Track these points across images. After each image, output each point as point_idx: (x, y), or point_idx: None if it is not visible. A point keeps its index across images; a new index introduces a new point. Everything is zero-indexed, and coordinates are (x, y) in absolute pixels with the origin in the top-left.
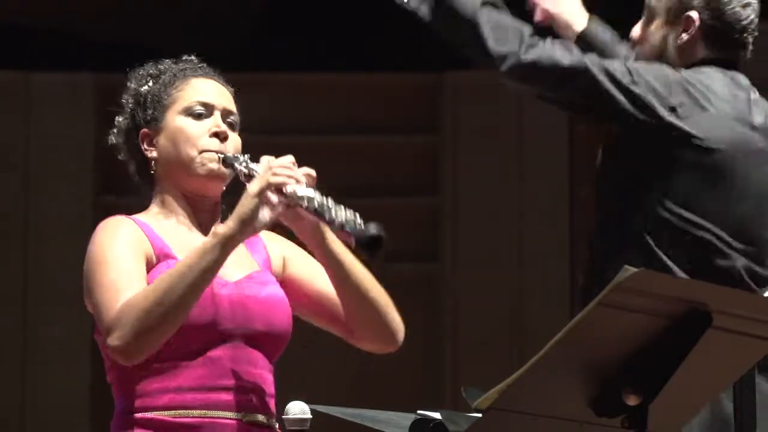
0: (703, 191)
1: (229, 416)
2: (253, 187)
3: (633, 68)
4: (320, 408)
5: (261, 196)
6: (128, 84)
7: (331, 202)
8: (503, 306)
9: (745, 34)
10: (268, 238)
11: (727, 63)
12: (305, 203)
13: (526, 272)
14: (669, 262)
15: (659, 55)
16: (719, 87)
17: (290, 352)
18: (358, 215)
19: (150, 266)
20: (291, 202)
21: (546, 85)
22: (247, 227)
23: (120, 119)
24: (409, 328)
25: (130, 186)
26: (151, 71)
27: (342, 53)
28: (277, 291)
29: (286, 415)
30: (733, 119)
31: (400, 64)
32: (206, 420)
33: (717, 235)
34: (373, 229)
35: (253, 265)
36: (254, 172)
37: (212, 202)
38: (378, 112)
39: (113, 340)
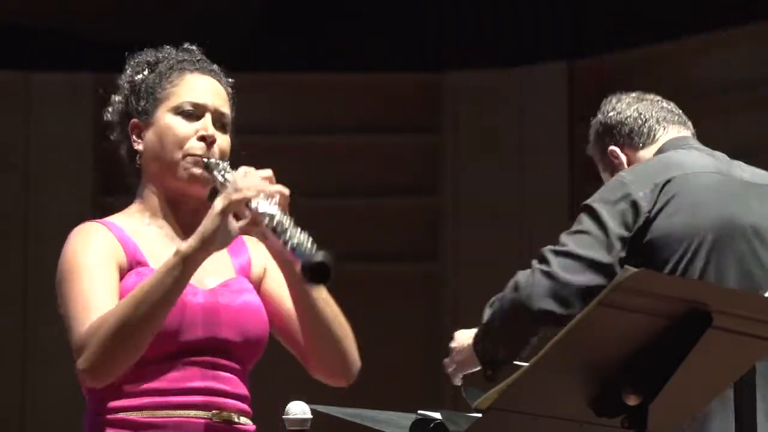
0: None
1: (198, 415)
2: (216, 205)
3: (563, 243)
4: (320, 408)
5: (224, 215)
6: (126, 67)
7: (290, 223)
8: None
9: (653, 117)
10: (253, 244)
11: (676, 140)
12: (266, 220)
13: None
14: None
15: None
16: (683, 155)
17: (292, 354)
18: (311, 241)
19: (122, 273)
20: (255, 218)
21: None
22: (210, 245)
23: (116, 98)
24: (409, 328)
25: (130, 186)
26: (149, 58)
27: (342, 53)
28: (252, 299)
29: (286, 415)
30: (709, 173)
31: (400, 64)
32: (172, 419)
33: None
34: (320, 256)
35: (231, 271)
36: (227, 183)
37: (195, 201)
38: (378, 112)
39: (80, 363)
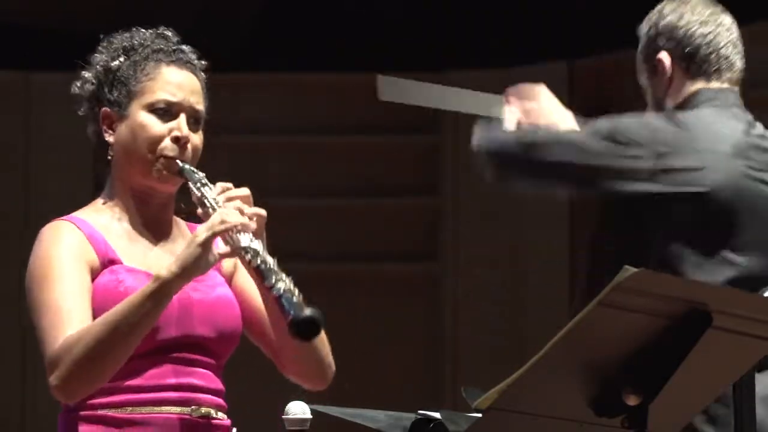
0: (708, 239)
1: (177, 411)
2: (199, 236)
3: (610, 131)
4: (320, 408)
5: (206, 246)
6: (100, 48)
7: (273, 264)
8: (503, 306)
9: (717, 52)
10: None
11: (722, 93)
12: (248, 257)
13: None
14: None
15: (660, 106)
16: (714, 125)
17: None
18: (296, 290)
19: (95, 274)
20: (236, 250)
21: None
22: (191, 273)
23: (87, 75)
24: (409, 328)
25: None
26: (125, 43)
27: (342, 53)
28: (225, 292)
29: (286, 415)
30: (731, 156)
31: (400, 64)
32: (153, 416)
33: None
34: (309, 311)
35: None
36: (204, 200)
37: (165, 197)
38: (378, 112)
39: (53, 380)
